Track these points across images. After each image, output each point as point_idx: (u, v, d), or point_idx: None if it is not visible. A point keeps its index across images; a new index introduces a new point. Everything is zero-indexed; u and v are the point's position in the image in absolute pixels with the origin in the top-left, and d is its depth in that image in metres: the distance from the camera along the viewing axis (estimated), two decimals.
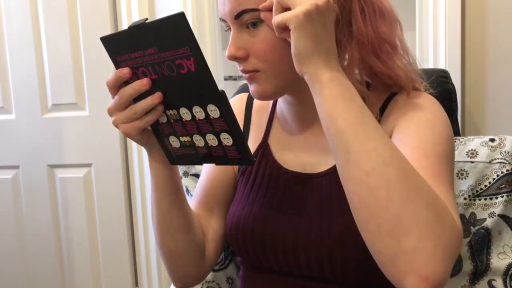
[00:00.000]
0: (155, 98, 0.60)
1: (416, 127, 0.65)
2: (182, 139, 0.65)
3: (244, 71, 0.66)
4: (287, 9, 0.58)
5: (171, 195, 0.71)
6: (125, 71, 0.60)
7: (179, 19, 0.52)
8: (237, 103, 0.86)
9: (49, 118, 1.79)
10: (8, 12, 1.77)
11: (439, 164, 0.61)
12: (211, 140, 0.62)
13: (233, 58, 0.65)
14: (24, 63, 1.77)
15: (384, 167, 0.52)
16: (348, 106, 0.55)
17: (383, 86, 0.72)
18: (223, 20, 0.67)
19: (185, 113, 0.61)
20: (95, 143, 1.75)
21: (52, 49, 1.74)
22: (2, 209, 1.89)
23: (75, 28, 1.71)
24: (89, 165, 1.78)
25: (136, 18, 1.63)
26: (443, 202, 0.53)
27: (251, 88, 0.68)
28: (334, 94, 0.56)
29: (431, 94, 0.73)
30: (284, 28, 0.57)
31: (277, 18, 0.57)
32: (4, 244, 1.91)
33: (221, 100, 0.57)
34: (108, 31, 1.66)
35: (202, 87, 0.56)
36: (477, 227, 0.87)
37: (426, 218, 0.50)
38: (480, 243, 0.87)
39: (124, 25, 1.65)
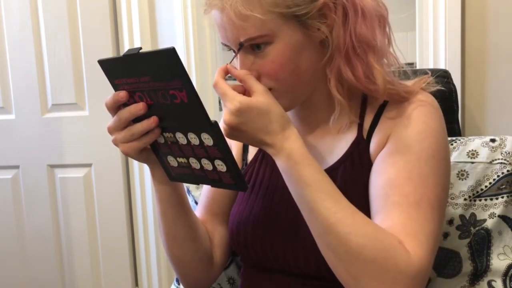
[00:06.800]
0: (151, 122, 0.61)
1: (407, 142, 0.65)
2: (179, 159, 0.65)
3: None
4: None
5: (175, 207, 0.72)
6: (122, 94, 0.61)
7: (170, 54, 0.53)
8: None
9: (49, 118, 1.79)
10: (8, 12, 1.76)
11: (424, 187, 0.61)
12: (206, 164, 0.63)
13: None
14: (24, 63, 1.77)
15: (324, 236, 0.59)
16: (295, 190, 0.62)
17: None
18: (224, 45, 0.67)
19: (180, 137, 0.62)
20: (95, 143, 1.75)
21: (52, 49, 1.74)
22: (2, 209, 1.89)
23: (75, 28, 1.70)
24: (89, 165, 1.78)
25: (136, 18, 1.63)
26: (394, 248, 0.56)
27: None
28: (286, 179, 0.63)
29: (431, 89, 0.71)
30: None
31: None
32: (4, 244, 1.91)
33: (213, 130, 0.58)
34: (108, 31, 1.66)
35: (195, 117, 0.57)
36: (477, 228, 0.87)
37: (372, 271, 0.56)
38: (480, 244, 0.87)
39: (124, 26, 1.65)
